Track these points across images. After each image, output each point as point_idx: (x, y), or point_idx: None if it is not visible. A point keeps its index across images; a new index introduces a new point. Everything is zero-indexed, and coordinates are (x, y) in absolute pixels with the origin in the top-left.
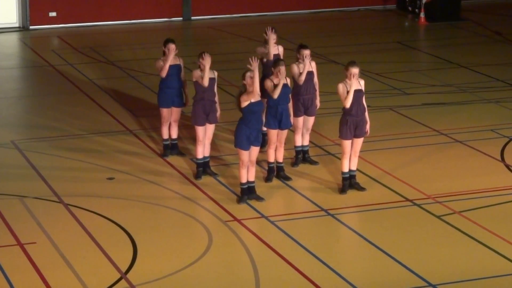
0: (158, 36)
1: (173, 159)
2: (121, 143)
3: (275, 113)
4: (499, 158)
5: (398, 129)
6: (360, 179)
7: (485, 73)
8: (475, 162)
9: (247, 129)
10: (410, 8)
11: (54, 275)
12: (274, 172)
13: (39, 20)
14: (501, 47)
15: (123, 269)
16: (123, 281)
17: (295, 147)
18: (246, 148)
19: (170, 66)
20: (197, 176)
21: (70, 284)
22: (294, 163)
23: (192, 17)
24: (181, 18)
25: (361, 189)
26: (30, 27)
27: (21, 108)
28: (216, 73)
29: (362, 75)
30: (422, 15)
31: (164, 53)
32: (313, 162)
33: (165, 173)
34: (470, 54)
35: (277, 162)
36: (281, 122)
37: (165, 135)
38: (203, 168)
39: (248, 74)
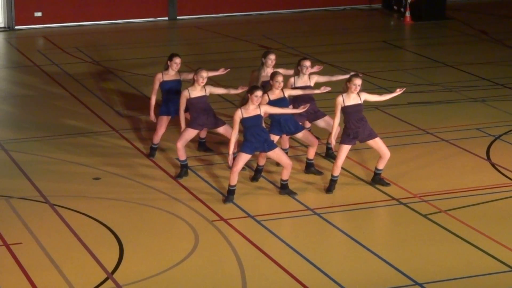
0: (144, 36)
1: (160, 159)
2: (107, 143)
3: (278, 123)
4: (485, 157)
5: (384, 129)
6: (346, 178)
7: (470, 72)
8: (461, 161)
9: (249, 142)
10: (395, 7)
11: (41, 276)
12: (261, 172)
13: (24, 20)
14: (487, 46)
15: (110, 269)
16: (109, 281)
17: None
18: (249, 152)
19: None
20: (179, 175)
21: (56, 284)
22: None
23: (178, 17)
24: (167, 18)
25: (386, 184)
26: (16, 27)
27: (7, 108)
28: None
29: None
30: (407, 14)
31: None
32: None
33: (152, 174)
34: (456, 53)
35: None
36: (290, 130)
37: (158, 141)
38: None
39: (257, 92)
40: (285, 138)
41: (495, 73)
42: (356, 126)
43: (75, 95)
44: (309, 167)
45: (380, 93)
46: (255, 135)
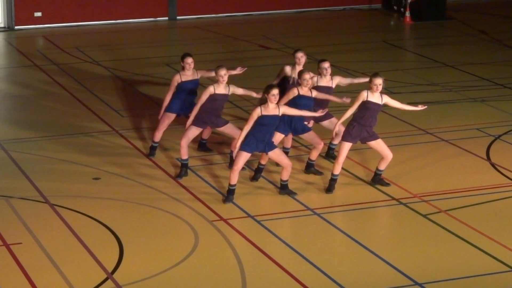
0: (144, 36)
1: (160, 159)
2: (107, 143)
3: (290, 121)
4: (485, 157)
5: (384, 129)
6: (346, 178)
7: (470, 72)
8: (461, 161)
9: (254, 138)
10: (395, 7)
11: (41, 276)
12: (261, 172)
13: (24, 20)
14: (487, 46)
15: (110, 269)
16: (109, 281)
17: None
18: (249, 150)
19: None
20: (179, 175)
21: (56, 284)
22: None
23: (178, 17)
24: (167, 18)
25: (386, 184)
26: (16, 27)
27: (7, 108)
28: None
29: (348, 74)
30: (407, 14)
31: (183, 68)
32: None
33: (152, 173)
34: (456, 53)
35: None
36: (297, 130)
37: (158, 138)
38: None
39: (273, 91)
40: (289, 137)
41: (495, 73)
42: (364, 124)
43: (75, 95)
44: (309, 167)
45: (401, 102)
46: (263, 135)
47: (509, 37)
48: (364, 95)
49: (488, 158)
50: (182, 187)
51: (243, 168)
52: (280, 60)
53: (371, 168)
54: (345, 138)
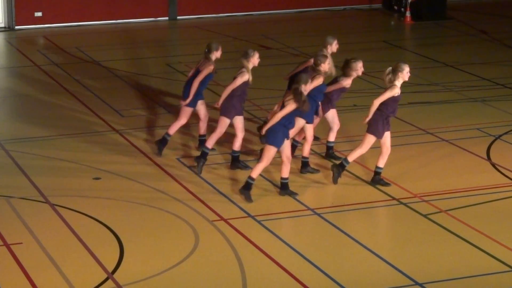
0: (144, 36)
1: (160, 159)
2: (107, 143)
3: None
4: (485, 156)
5: None
6: (346, 178)
7: (471, 72)
8: (462, 161)
9: (285, 129)
10: (396, 7)
11: (41, 276)
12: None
13: (24, 20)
14: (487, 46)
15: (110, 269)
16: (109, 281)
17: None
18: (279, 145)
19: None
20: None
21: (56, 284)
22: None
23: (178, 17)
24: (167, 18)
25: (386, 184)
26: (16, 27)
27: (7, 108)
28: None
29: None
30: (408, 14)
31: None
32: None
33: (152, 173)
34: (456, 53)
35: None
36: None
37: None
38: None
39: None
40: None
41: (495, 73)
42: (389, 116)
43: (75, 95)
44: (305, 166)
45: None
46: None
47: (509, 37)
48: (397, 90)
49: (489, 158)
50: (182, 187)
51: (246, 167)
52: (280, 60)
53: (370, 167)
54: (376, 133)
